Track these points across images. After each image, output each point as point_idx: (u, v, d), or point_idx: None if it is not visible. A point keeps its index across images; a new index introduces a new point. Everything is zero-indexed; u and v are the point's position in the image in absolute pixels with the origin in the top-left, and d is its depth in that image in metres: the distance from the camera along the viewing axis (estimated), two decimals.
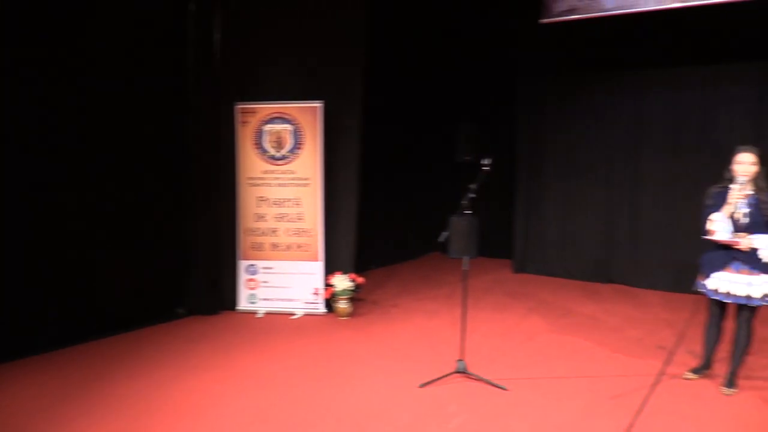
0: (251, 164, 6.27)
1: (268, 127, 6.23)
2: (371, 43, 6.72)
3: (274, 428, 3.81)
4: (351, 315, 6.19)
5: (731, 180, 4.27)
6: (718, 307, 4.47)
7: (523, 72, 8.03)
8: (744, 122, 6.78)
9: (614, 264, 7.68)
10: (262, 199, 6.28)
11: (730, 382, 4.45)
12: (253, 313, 6.27)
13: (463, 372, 4.64)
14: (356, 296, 6.34)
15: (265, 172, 6.27)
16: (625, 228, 7.60)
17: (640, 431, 3.87)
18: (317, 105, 6.15)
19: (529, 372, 4.81)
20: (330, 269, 6.28)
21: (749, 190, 4.22)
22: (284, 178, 6.26)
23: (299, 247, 6.28)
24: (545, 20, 7.22)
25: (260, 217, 6.29)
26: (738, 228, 4.23)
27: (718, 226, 4.24)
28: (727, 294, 4.28)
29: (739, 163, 4.23)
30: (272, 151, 6.25)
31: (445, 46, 8.94)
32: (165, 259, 5.97)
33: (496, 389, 4.45)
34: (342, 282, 6.14)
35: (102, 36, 5.29)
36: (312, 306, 6.29)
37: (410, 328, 5.87)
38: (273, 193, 6.28)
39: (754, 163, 4.20)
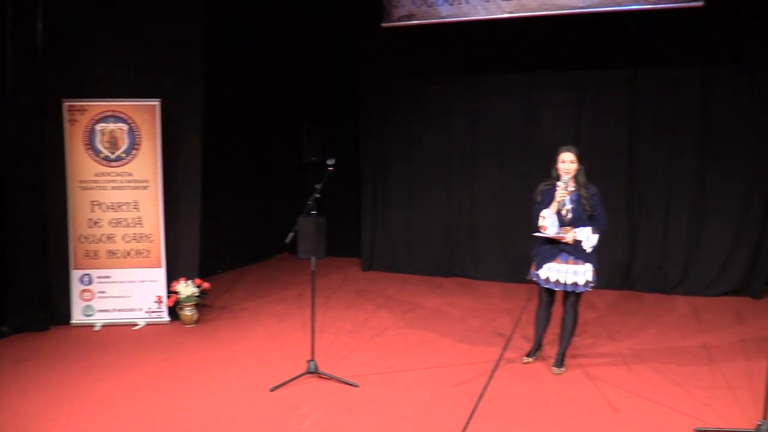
0: (83, 166, 5.80)
1: (100, 127, 5.80)
2: (215, 42, 6.51)
3: None
4: (197, 322, 5.94)
5: (557, 178, 4.62)
6: (548, 294, 4.83)
7: (367, 74, 8.17)
8: (565, 124, 7.39)
9: (456, 259, 8.04)
10: (95, 204, 5.84)
11: (560, 362, 4.83)
12: (90, 326, 5.81)
13: (314, 372, 4.62)
14: (203, 302, 6.09)
15: (99, 174, 5.83)
16: (465, 225, 7.98)
17: (481, 415, 4.08)
18: (155, 103, 5.83)
19: (379, 367, 4.90)
20: (174, 275, 5.98)
21: (572, 187, 4.60)
22: (120, 180, 5.86)
23: (139, 253, 5.91)
24: (386, 24, 7.39)
25: (94, 223, 5.84)
26: (564, 223, 4.59)
27: (548, 222, 4.58)
28: (556, 282, 4.65)
29: (562, 162, 4.59)
30: (106, 152, 5.83)
31: (294, 47, 8.86)
32: None
33: (348, 386, 4.48)
34: (187, 288, 5.87)
35: None
36: (155, 315, 5.95)
37: (260, 331, 5.75)
38: (108, 196, 5.85)
39: (574, 161, 4.57)
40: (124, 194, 5.86)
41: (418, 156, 8.10)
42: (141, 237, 5.90)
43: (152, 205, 5.89)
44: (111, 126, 5.81)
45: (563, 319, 4.81)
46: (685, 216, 7.09)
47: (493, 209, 7.79)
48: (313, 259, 4.68)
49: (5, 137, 5.40)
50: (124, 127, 5.82)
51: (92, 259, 5.85)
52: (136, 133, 5.84)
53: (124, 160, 5.85)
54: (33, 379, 4.53)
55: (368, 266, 8.36)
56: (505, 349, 5.33)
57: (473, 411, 4.14)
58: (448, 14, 7.10)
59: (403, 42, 7.76)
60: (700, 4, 6.19)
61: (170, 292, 5.91)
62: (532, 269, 4.80)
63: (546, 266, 4.66)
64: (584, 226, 4.56)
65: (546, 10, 6.72)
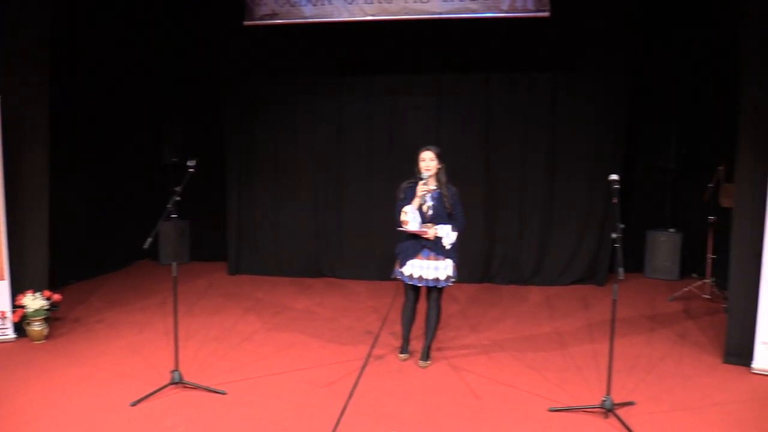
0: None
1: None
2: (67, 38, 6.05)
3: None
4: (48, 337, 5.50)
5: (419, 176, 4.78)
6: (413, 290, 4.97)
7: (231, 72, 7.94)
8: (427, 125, 7.64)
9: (324, 259, 8.06)
10: None
11: (426, 356, 5.00)
12: None
13: (178, 382, 4.44)
14: (53, 316, 5.65)
15: None
16: (333, 225, 8.02)
17: (352, 412, 4.14)
18: None
19: (248, 372, 4.81)
20: (19, 288, 5.49)
21: (434, 185, 4.77)
22: None
23: None
24: (248, 23, 7.26)
25: None
26: (425, 219, 4.76)
27: (410, 218, 4.72)
28: (420, 278, 4.81)
29: (422, 160, 4.77)
30: None
31: (155, 45, 8.43)
32: None
33: (215, 395, 4.36)
34: (34, 301, 5.42)
35: None
36: None
37: (119, 343, 5.44)
38: None
39: (434, 159, 4.76)
40: None
41: (285, 156, 8.03)
42: None
43: None
44: None
45: (427, 314, 4.99)
46: (537, 212, 7.59)
47: (360, 209, 7.89)
48: (174, 264, 4.49)
49: None
50: None
51: None
52: None
53: None
54: None
55: (235, 270, 8.16)
56: (373, 346, 5.43)
57: (343, 409, 4.18)
58: (311, 14, 7.10)
59: (269, 41, 7.65)
60: (546, 14, 6.67)
61: (15, 306, 5.43)
62: (396, 267, 4.92)
63: (409, 263, 4.80)
64: (444, 224, 4.75)
65: (406, 14, 6.91)
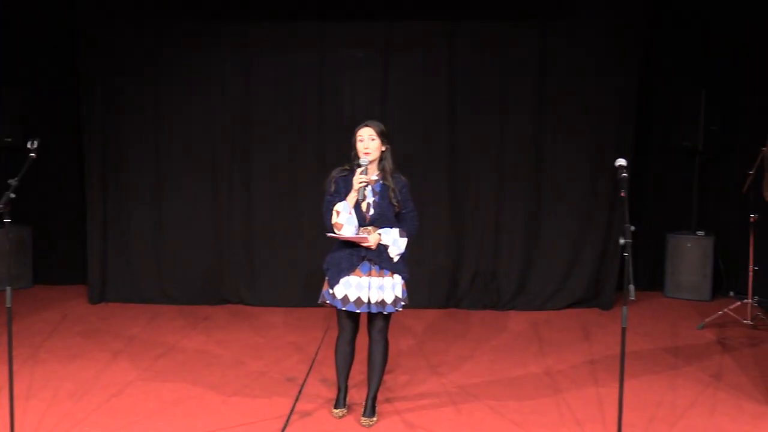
0: None
1: None
2: None
3: None
4: None
5: (357, 163, 4.75)
6: (350, 320, 4.93)
7: (89, 20, 7.77)
8: (369, 92, 7.66)
9: (227, 280, 7.99)
10: None
11: (370, 410, 4.98)
12: None
13: None
14: None
15: None
16: (238, 232, 7.94)
17: None
18: None
19: None
20: None
21: (376, 175, 4.78)
22: None
23: None
24: None
25: None
26: (366, 221, 4.75)
27: (343, 219, 4.69)
28: (358, 302, 4.77)
29: (360, 140, 4.74)
30: None
31: None
32: None
33: None
34: None
35: None
36: None
37: None
38: None
39: (375, 139, 4.72)
40: None
41: (169, 138, 7.91)
42: None
43: None
44: None
45: (370, 353, 4.97)
46: (520, 211, 7.70)
47: (276, 210, 7.85)
48: (8, 290, 4.37)
49: None
50: None
51: None
52: None
53: None
54: None
55: (99, 297, 8.02)
56: (297, 399, 5.40)
57: None
58: None
59: None
60: None
61: None
62: (325, 288, 4.89)
63: (343, 281, 4.76)
64: (390, 227, 4.75)
65: None
